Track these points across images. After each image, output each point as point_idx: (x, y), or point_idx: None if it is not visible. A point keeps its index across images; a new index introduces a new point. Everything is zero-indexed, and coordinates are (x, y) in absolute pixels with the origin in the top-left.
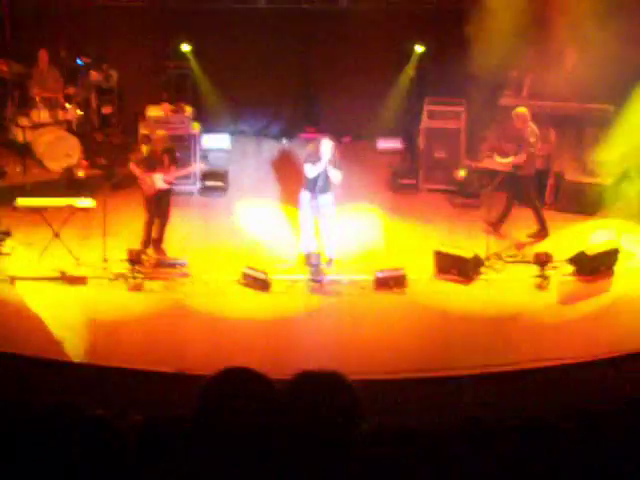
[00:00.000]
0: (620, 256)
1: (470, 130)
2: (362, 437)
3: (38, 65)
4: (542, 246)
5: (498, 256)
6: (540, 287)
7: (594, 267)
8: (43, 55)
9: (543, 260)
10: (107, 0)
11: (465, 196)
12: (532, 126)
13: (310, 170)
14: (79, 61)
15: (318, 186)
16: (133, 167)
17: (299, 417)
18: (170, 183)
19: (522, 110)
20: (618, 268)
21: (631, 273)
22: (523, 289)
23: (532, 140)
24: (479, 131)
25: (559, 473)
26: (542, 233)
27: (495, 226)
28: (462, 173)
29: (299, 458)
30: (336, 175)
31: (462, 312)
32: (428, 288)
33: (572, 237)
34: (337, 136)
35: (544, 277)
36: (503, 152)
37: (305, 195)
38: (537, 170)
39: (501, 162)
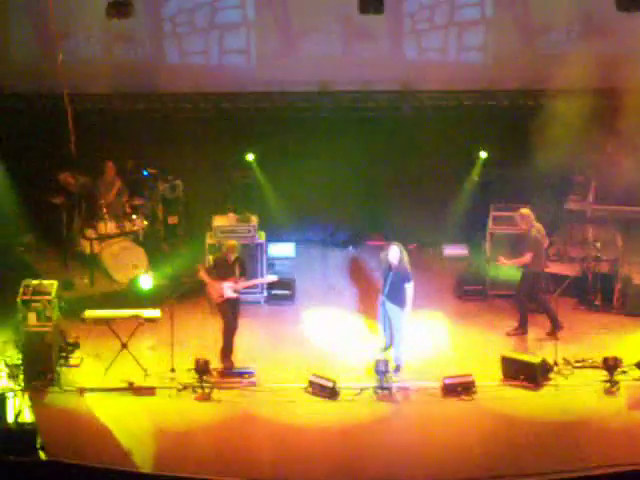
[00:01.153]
0: None
1: None
2: None
3: (104, 177)
4: (611, 350)
5: (567, 361)
6: (609, 392)
7: None
8: (110, 167)
9: (612, 365)
10: (172, 111)
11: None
12: (538, 226)
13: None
14: (145, 172)
15: (386, 292)
16: (203, 275)
17: None
18: (238, 292)
19: (525, 211)
20: None
21: None
22: (592, 394)
23: (539, 240)
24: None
25: None
26: (519, 330)
27: (550, 332)
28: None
29: None
30: (408, 286)
31: (530, 418)
32: (496, 394)
33: None
34: (403, 243)
35: (613, 382)
36: (569, 257)
37: (380, 300)
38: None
39: (506, 262)
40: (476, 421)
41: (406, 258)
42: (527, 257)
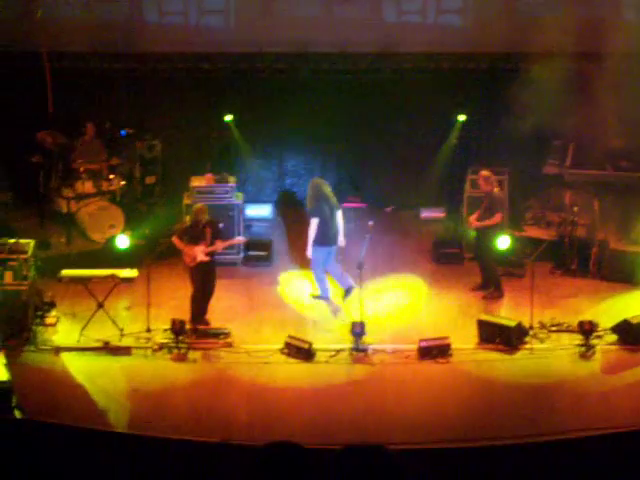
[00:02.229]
0: None
1: (513, 199)
2: None
3: (84, 137)
4: (586, 315)
5: (542, 325)
6: (584, 356)
7: (638, 335)
8: (90, 128)
9: (587, 329)
10: (150, 71)
11: (509, 265)
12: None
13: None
14: (123, 132)
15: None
16: (175, 240)
17: None
18: (212, 255)
19: (486, 173)
20: None
21: None
22: (567, 358)
23: (503, 199)
24: (522, 200)
25: None
26: (495, 293)
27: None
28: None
29: None
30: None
31: (506, 381)
32: (472, 357)
33: (616, 306)
34: (381, 205)
35: (588, 346)
36: (546, 221)
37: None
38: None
39: (478, 224)
40: (451, 384)
41: (315, 193)
42: (498, 217)
